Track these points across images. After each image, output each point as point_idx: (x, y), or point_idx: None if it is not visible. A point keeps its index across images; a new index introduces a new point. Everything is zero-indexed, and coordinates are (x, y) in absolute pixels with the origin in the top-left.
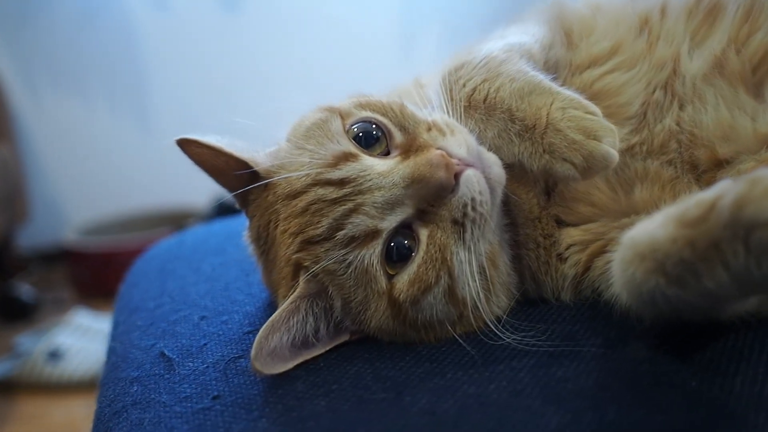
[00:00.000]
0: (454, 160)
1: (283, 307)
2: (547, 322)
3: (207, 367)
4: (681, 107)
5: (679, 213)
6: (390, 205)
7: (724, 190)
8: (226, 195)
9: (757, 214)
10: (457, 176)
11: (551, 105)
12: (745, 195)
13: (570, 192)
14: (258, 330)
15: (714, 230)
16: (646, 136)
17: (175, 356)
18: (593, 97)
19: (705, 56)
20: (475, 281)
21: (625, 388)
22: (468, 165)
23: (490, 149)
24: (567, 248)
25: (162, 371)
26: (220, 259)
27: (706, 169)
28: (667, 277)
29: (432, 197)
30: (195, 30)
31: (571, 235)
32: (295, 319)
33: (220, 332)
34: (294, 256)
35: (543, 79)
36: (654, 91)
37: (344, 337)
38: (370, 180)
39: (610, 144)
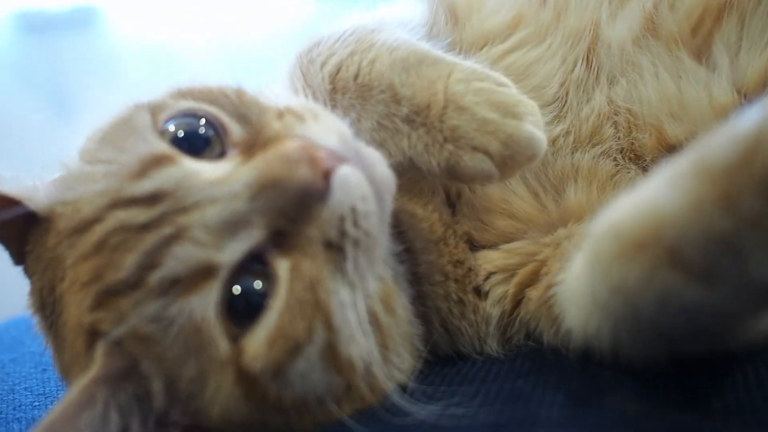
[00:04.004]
0: (321, 153)
1: (69, 398)
2: (475, 382)
3: None
4: (612, 82)
5: (698, 162)
6: (230, 227)
7: None
8: None
9: None
10: (327, 175)
11: (449, 77)
12: None
13: (481, 200)
14: None
15: None
16: (572, 124)
17: None
18: None
19: (632, 16)
20: (366, 333)
21: None
22: (343, 160)
23: (369, 145)
24: (486, 278)
25: None
26: (12, 355)
27: (654, 157)
28: (688, 269)
29: (292, 209)
30: (26, 141)
31: (490, 259)
32: (87, 417)
33: None
34: (87, 318)
35: (432, 48)
36: (574, 67)
37: None
38: (197, 191)
39: (534, 123)
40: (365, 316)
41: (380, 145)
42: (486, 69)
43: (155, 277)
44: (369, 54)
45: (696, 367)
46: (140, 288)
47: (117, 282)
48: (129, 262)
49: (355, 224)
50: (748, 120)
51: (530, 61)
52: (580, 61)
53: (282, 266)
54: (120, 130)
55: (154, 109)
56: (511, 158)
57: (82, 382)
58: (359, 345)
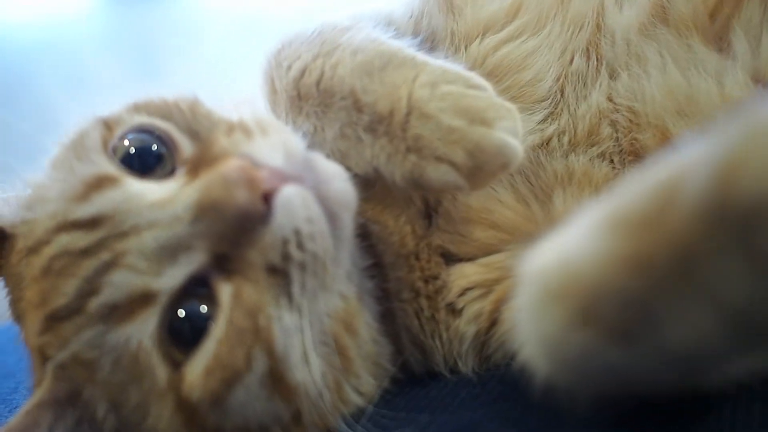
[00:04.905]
0: (263, 173)
1: (13, 422)
2: (436, 410)
3: None
4: (612, 76)
5: (613, 211)
6: (170, 252)
7: (693, 156)
8: None
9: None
10: (268, 197)
11: (414, 80)
12: (740, 157)
13: (460, 210)
14: None
15: (684, 232)
16: (567, 123)
17: None
18: (488, 77)
19: (640, 1)
20: (315, 358)
21: None
22: (287, 179)
23: (331, 156)
24: (461, 294)
25: None
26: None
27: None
28: (603, 328)
29: (233, 233)
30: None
31: (465, 274)
32: None
33: None
34: (37, 342)
35: (403, 47)
36: (572, 59)
37: None
38: (136, 215)
39: (508, 129)
40: (314, 340)
41: (344, 156)
42: (459, 69)
43: (94, 304)
44: (332, 57)
45: (669, 407)
46: (81, 314)
47: (60, 307)
48: (70, 287)
49: (300, 247)
50: (664, 168)
51: (527, 52)
52: (579, 52)
53: (224, 291)
54: (73, 148)
55: (110, 124)
56: (479, 168)
57: (27, 406)
58: (307, 370)
